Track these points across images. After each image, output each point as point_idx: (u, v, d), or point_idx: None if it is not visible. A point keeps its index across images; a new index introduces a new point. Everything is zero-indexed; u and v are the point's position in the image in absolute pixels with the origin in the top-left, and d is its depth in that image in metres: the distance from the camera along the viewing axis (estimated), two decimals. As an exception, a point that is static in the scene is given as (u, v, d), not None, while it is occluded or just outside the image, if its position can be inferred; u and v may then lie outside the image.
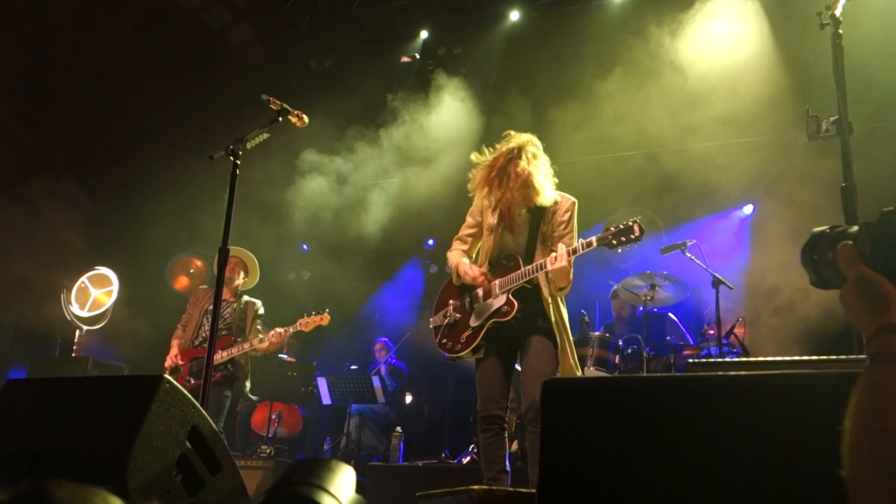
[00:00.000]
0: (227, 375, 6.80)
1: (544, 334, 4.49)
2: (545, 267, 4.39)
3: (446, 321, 4.84)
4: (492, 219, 4.76)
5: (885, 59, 6.60)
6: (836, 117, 3.08)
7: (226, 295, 6.89)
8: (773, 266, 8.00)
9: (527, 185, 4.54)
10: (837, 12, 3.16)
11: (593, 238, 4.36)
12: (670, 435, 1.81)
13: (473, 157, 4.82)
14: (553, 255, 4.35)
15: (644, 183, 8.44)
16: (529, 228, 4.66)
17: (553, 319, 4.50)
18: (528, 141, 4.65)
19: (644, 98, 8.22)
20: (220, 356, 6.71)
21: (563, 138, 8.11)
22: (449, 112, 9.42)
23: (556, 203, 4.63)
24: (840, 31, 3.15)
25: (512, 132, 4.76)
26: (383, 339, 9.86)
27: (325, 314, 6.86)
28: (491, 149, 4.76)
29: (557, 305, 4.56)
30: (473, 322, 4.68)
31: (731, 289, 6.77)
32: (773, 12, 7.83)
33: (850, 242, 1.31)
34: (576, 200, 4.65)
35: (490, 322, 4.59)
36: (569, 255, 4.34)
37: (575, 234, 4.58)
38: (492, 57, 9.61)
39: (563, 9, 9.28)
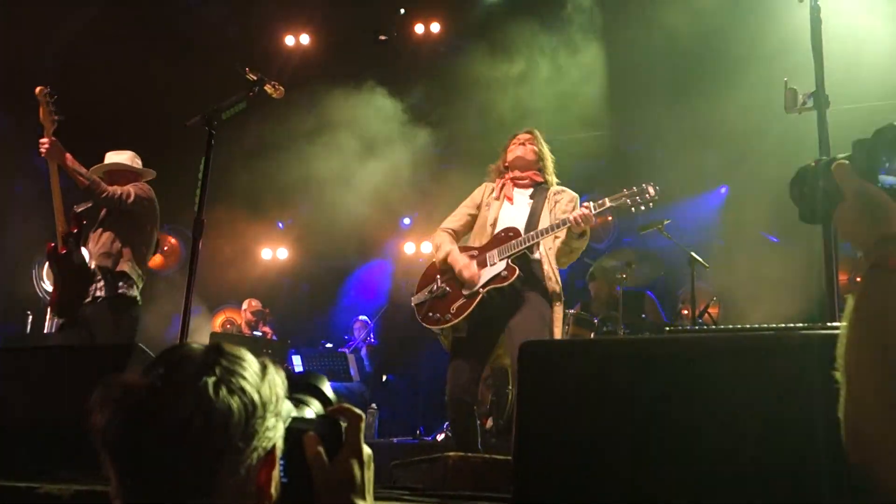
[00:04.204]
0: (111, 291, 5.40)
1: (541, 294, 4.42)
2: (570, 222, 4.30)
3: (433, 295, 4.64)
4: (492, 196, 4.77)
5: (864, 41, 6.64)
6: (814, 90, 3.10)
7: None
8: (747, 245, 8.07)
9: (540, 155, 4.75)
10: (816, -15, 3.18)
11: (606, 199, 4.37)
12: (649, 396, 1.81)
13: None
14: (580, 211, 4.28)
15: (617, 162, 8.47)
16: (531, 207, 4.65)
17: (551, 290, 4.43)
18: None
19: (621, 77, 8.23)
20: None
21: (541, 116, 8.10)
22: (425, 90, 9.37)
23: (559, 192, 4.69)
24: (818, 3, 3.17)
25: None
26: (362, 318, 9.85)
27: None
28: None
29: (554, 280, 4.50)
30: (467, 290, 4.49)
31: (707, 267, 6.82)
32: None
33: (845, 161, 1.32)
34: (577, 196, 4.70)
35: (487, 289, 4.41)
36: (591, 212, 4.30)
37: None
38: (470, 35, 9.56)
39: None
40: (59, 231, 5.32)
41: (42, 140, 5.26)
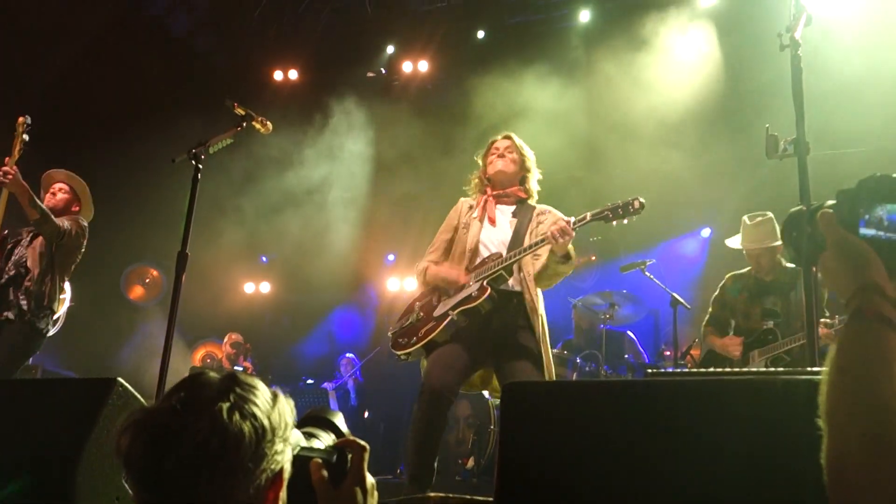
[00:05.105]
0: (24, 317, 5.36)
1: (526, 354, 4.10)
2: (549, 239, 3.97)
3: (407, 323, 4.41)
4: (472, 215, 4.49)
5: (846, 91, 6.77)
6: (794, 137, 3.15)
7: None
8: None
9: (522, 163, 4.51)
10: (797, 35, 3.24)
11: (588, 213, 4.03)
12: (631, 439, 1.82)
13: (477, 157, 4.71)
14: (559, 224, 3.97)
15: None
16: (514, 227, 4.39)
17: (537, 331, 4.13)
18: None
19: (607, 119, 8.32)
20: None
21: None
22: (412, 128, 9.43)
23: (544, 212, 4.42)
24: (799, 53, 3.23)
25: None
26: (349, 355, 9.81)
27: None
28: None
29: (538, 313, 4.20)
30: (437, 312, 4.26)
31: (689, 309, 6.83)
32: (734, 36, 8.00)
33: (830, 210, 1.36)
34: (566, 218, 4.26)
35: (456, 311, 4.13)
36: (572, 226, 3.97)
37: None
38: (457, 74, 9.66)
39: (530, 29, 9.37)
40: None
41: (5, 168, 5.22)
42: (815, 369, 2.70)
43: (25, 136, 5.42)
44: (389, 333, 4.56)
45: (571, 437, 1.94)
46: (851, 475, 1.15)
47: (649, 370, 3.41)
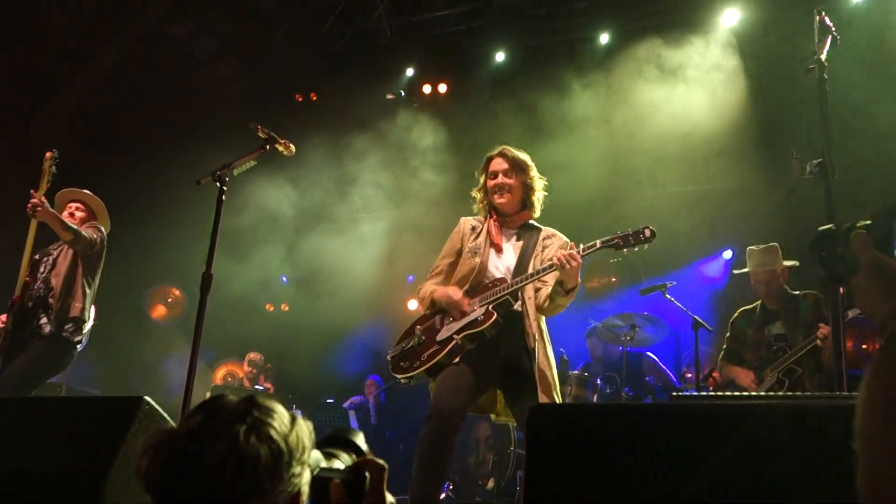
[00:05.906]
0: (57, 331, 5.51)
1: (530, 382, 4.03)
2: (557, 265, 3.88)
3: (408, 346, 4.32)
4: (476, 240, 4.43)
5: (869, 110, 6.75)
6: (820, 160, 3.13)
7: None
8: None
9: (522, 183, 4.40)
10: (823, 57, 3.24)
11: (598, 241, 3.98)
12: (656, 461, 1.82)
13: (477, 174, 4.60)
14: (568, 251, 3.90)
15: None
16: (520, 251, 4.33)
17: (536, 357, 4.06)
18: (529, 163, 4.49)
19: (627, 142, 8.32)
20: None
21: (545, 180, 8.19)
22: (433, 150, 9.47)
23: (550, 236, 4.36)
24: (825, 75, 3.22)
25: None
26: (374, 377, 9.81)
27: None
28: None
29: (542, 336, 4.17)
30: (441, 336, 4.19)
31: (711, 331, 6.80)
32: (758, 57, 7.99)
33: (864, 231, 1.34)
34: (571, 242, 4.25)
35: (461, 335, 4.09)
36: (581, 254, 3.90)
37: None
38: (476, 96, 9.70)
39: (550, 51, 9.40)
40: (21, 280, 5.54)
41: (34, 201, 5.35)
42: (842, 394, 2.68)
43: (54, 169, 5.57)
44: (388, 357, 4.48)
45: (598, 459, 1.94)
46: (885, 499, 1.14)
47: (674, 394, 3.41)
